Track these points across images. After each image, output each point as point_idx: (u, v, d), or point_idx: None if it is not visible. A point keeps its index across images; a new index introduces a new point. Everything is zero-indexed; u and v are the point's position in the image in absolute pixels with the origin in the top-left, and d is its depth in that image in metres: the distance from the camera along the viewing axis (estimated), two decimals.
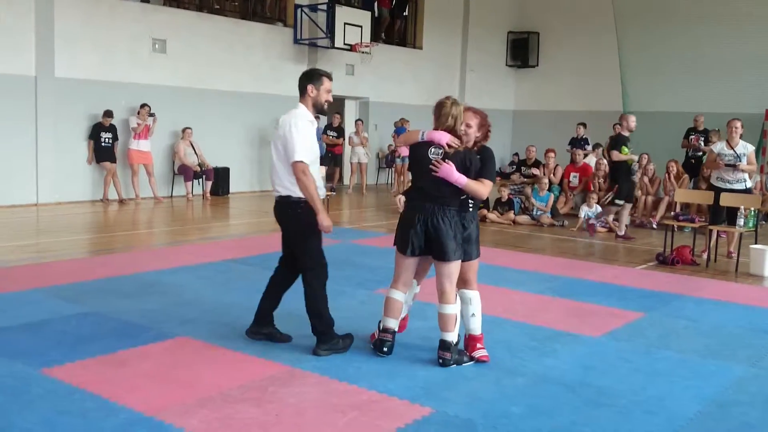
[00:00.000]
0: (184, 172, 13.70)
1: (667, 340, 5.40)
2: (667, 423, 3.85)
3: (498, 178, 14.12)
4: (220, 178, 14.39)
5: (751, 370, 4.79)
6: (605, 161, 13.36)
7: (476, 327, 4.74)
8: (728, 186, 8.77)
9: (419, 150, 4.58)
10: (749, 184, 8.98)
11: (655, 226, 11.52)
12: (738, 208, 8.52)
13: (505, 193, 12.22)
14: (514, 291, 6.85)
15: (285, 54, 15.71)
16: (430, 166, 4.48)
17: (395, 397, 4.04)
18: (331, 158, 15.78)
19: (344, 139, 16.29)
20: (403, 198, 4.88)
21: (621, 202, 10.49)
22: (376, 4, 17.92)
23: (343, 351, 4.75)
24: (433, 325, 4.69)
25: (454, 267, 4.54)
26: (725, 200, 8.73)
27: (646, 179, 12.37)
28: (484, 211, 11.52)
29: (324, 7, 15.75)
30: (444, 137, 4.50)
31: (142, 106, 12.88)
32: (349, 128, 16.98)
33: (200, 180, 14.00)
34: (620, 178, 10.41)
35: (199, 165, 13.82)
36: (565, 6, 20.54)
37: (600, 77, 19.58)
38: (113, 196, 12.82)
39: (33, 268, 7.23)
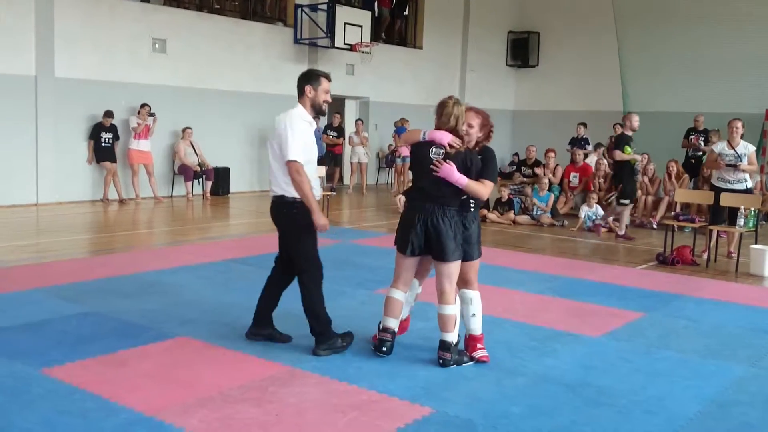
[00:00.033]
0: (184, 172, 13.70)
1: (667, 340, 5.40)
2: (667, 423, 3.85)
3: (498, 178, 14.12)
4: (220, 178, 14.39)
5: (751, 370, 4.79)
6: (605, 161, 13.37)
7: (476, 327, 4.73)
8: (729, 186, 8.77)
9: (420, 150, 4.58)
10: (750, 184, 8.97)
11: (655, 226, 11.51)
12: (738, 208, 8.52)
13: (505, 193, 12.22)
14: (514, 291, 6.85)
15: (285, 54, 15.71)
16: (431, 166, 4.48)
17: (395, 397, 4.04)
18: (331, 158, 15.78)
19: (344, 139, 16.30)
20: (403, 198, 4.88)
21: (627, 202, 10.49)
22: (376, 3, 17.91)
23: (342, 350, 4.75)
24: (434, 326, 4.69)
25: (453, 267, 4.54)
26: (725, 200, 8.72)
27: (646, 179, 12.36)
28: (484, 211, 11.51)
29: (324, 6, 15.75)
30: (445, 137, 4.50)
31: (143, 106, 12.88)
32: (349, 128, 16.99)
33: (200, 180, 14.00)
34: (624, 177, 10.37)
35: (200, 165, 13.82)
36: (565, 6, 20.54)
37: (600, 77, 19.59)
38: (113, 196, 12.82)
39: (33, 268, 7.23)
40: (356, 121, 16.92)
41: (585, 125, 15.55)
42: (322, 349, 4.70)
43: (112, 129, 12.68)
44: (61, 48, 12.14)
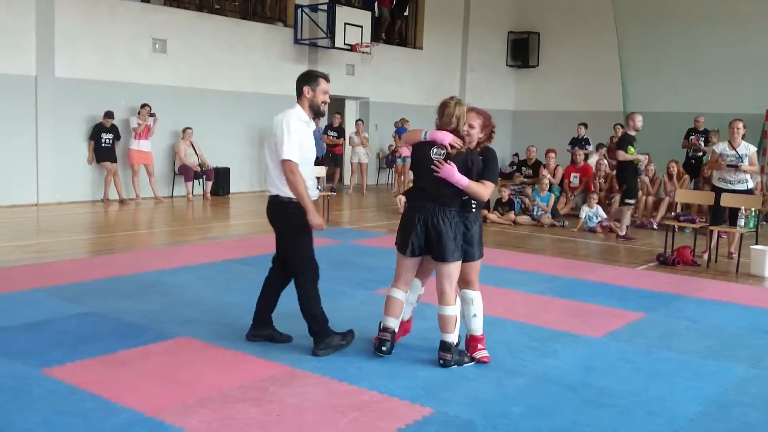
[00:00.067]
0: (185, 172, 13.70)
1: (667, 341, 5.40)
2: (668, 423, 3.85)
3: (498, 179, 14.11)
4: (220, 178, 14.39)
5: (752, 371, 4.79)
6: (605, 162, 13.37)
7: (477, 328, 4.73)
8: (730, 187, 8.77)
9: (421, 150, 4.57)
10: (751, 184, 8.97)
11: (655, 226, 11.51)
12: (739, 209, 8.51)
13: (506, 194, 12.22)
14: (514, 291, 6.85)
15: (285, 54, 15.71)
16: (432, 167, 4.47)
17: (396, 397, 4.04)
18: (331, 158, 15.79)
19: (344, 140, 16.30)
20: (403, 198, 4.87)
21: (632, 201, 10.47)
22: (376, 4, 17.92)
23: (342, 347, 4.73)
24: (434, 326, 4.68)
25: (453, 268, 4.53)
26: (726, 201, 8.72)
27: (646, 179, 12.36)
28: (485, 212, 11.51)
29: (324, 7, 15.75)
30: (447, 137, 4.49)
31: (143, 106, 12.87)
32: (350, 128, 16.99)
33: (200, 180, 14.00)
34: (628, 177, 10.32)
35: (200, 165, 13.82)
36: (565, 6, 20.54)
37: (600, 77, 19.58)
38: (113, 196, 12.82)
39: (33, 268, 7.22)
40: (356, 121, 16.92)
41: (585, 125, 15.55)
42: (321, 349, 4.70)
43: (113, 129, 12.68)
44: (61, 48, 12.15)
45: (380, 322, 4.76)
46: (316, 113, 4.77)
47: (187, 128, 13.66)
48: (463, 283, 4.71)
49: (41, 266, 7.35)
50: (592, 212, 11.44)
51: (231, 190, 14.69)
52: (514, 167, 16.18)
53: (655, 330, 5.68)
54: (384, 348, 4.63)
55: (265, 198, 4.86)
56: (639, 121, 10.07)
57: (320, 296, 4.78)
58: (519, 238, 10.58)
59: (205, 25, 14.29)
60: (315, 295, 4.75)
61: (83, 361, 4.48)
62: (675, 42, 17.74)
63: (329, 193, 12.31)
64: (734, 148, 8.77)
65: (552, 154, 13.36)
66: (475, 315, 4.71)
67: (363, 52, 16.20)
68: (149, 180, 13.16)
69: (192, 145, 13.76)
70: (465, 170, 4.47)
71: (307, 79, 4.73)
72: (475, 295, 4.72)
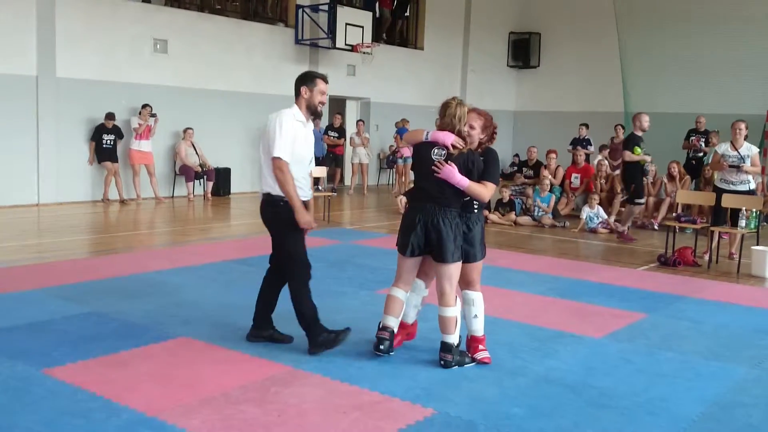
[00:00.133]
0: (186, 173, 13.71)
1: (669, 342, 5.40)
2: (669, 424, 3.84)
3: (500, 179, 14.10)
4: (221, 179, 14.40)
5: (754, 372, 4.79)
6: (606, 162, 13.38)
7: (479, 328, 4.72)
8: (732, 187, 8.76)
9: (422, 150, 4.57)
10: (753, 185, 8.96)
11: (656, 227, 11.51)
12: (740, 210, 8.51)
13: (507, 194, 12.21)
14: (515, 292, 6.84)
15: (286, 54, 15.72)
16: (432, 168, 4.47)
17: (397, 398, 4.04)
18: (332, 159, 15.79)
19: (345, 140, 16.29)
20: (404, 199, 4.87)
21: (642, 201, 10.44)
22: (377, 4, 17.92)
23: (334, 344, 4.69)
24: (435, 327, 4.67)
25: (453, 268, 4.53)
26: (727, 201, 8.72)
27: (648, 180, 12.35)
28: (486, 212, 11.50)
29: (325, 7, 15.76)
30: (449, 138, 4.49)
31: (144, 106, 12.88)
32: (351, 129, 16.99)
33: (201, 180, 14.01)
34: (636, 177, 10.21)
35: (200, 165, 13.82)
36: (566, 7, 20.55)
37: (601, 78, 19.59)
38: (113, 196, 12.82)
39: (35, 269, 7.23)
40: (357, 121, 16.93)
41: (587, 126, 15.55)
42: (314, 347, 4.70)
43: (114, 130, 12.69)
44: (62, 48, 12.15)
45: (380, 322, 4.75)
46: (313, 113, 4.77)
47: (188, 128, 13.67)
48: (465, 283, 4.71)
49: (42, 266, 7.35)
50: (593, 213, 11.44)
51: (232, 191, 14.70)
52: (515, 168, 16.18)
53: (656, 331, 5.68)
54: (382, 347, 4.62)
55: None
56: (646, 121, 9.96)
57: (311, 295, 4.76)
58: (520, 238, 10.58)
59: (206, 26, 14.29)
60: (304, 293, 4.74)
61: (85, 361, 4.48)
62: (676, 42, 17.74)
63: (330, 194, 12.31)
64: (736, 149, 8.77)
65: (553, 155, 13.35)
66: (476, 316, 4.71)
67: (364, 53, 16.20)
68: (150, 180, 13.16)
69: (193, 145, 13.77)
70: (466, 171, 4.47)
71: (305, 79, 4.74)
72: (476, 296, 4.72)
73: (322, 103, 4.78)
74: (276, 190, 4.61)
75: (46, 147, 12.15)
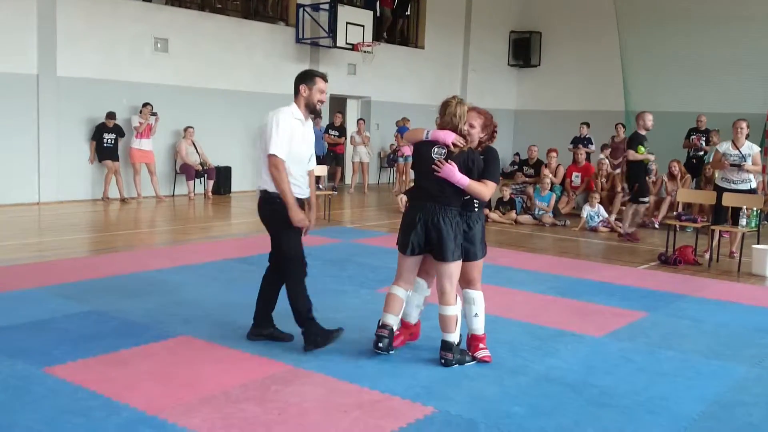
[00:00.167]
0: (186, 171, 13.72)
1: (669, 340, 5.39)
2: (670, 423, 3.84)
3: (500, 178, 14.09)
4: (221, 178, 14.40)
5: (754, 371, 4.78)
6: (607, 161, 13.37)
7: (479, 327, 4.72)
8: (733, 186, 8.75)
9: (423, 149, 4.57)
10: (754, 184, 8.95)
11: (657, 226, 11.50)
12: (740, 208, 8.51)
13: (507, 193, 12.21)
14: (516, 291, 6.84)
15: (287, 53, 15.71)
16: (432, 166, 4.47)
17: (398, 396, 4.04)
18: (332, 158, 15.78)
19: (346, 139, 16.29)
20: (404, 197, 4.86)
21: (647, 200, 10.41)
22: (378, 3, 17.92)
23: (325, 344, 4.70)
24: (436, 325, 4.67)
25: (454, 267, 4.52)
26: (728, 200, 8.72)
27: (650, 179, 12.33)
28: (486, 211, 11.50)
29: (326, 6, 15.75)
30: (449, 137, 4.48)
31: (145, 105, 12.88)
32: (351, 127, 16.99)
33: (202, 179, 14.01)
34: (639, 176, 10.17)
35: (201, 164, 13.83)
36: (567, 6, 20.54)
37: (602, 77, 19.59)
38: (113, 195, 12.82)
39: (35, 267, 7.23)
40: (358, 120, 16.92)
41: (588, 125, 15.54)
42: (307, 344, 4.71)
43: (115, 129, 12.69)
44: (63, 47, 12.15)
45: (379, 320, 4.74)
46: (311, 112, 4.78)
47: (189, 127, 13.67)
48: (465, 282, 4.71)
49: (43, 265, 7.35)
50: (594, 211, 11.43)
51: (232, 189, 14.70)
52: (516, 167, 16.18)
53: (656, 329, 5.67)
54: (381, 345, 4.61)
55: None
56: (649, 120, 9.92)
57: (307, 292, 4.77)
58: (520, 237, 10.58)
59: (207, 25, 14.29)
60: (299, 291, 4.74)
61: (85, 359, 4.48)
62: (676, 41, 17.74)
63: (330, 192, 12.31)
64: (738, 148, 8.77)
65: (553, 154, 13.35)
66: (476, 314, 4.70)
67: (364, 52, 16.20)
68: (151, 179, 13.17)
69: (193, 144, 13.77)
70: (466, 170, 4.46)
71: (305, 77, 4.74)
72: (477, 295, 4.71)
73: (321, 102, 4.78)
74: (273, 188, 4.62)
75: (47, 145, 12.15)
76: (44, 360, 4.42)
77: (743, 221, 8.46)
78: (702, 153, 13.53)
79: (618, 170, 13.03)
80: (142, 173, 13.07)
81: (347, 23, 15.74)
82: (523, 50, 21.57)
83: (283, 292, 4.90)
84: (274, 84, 15.01)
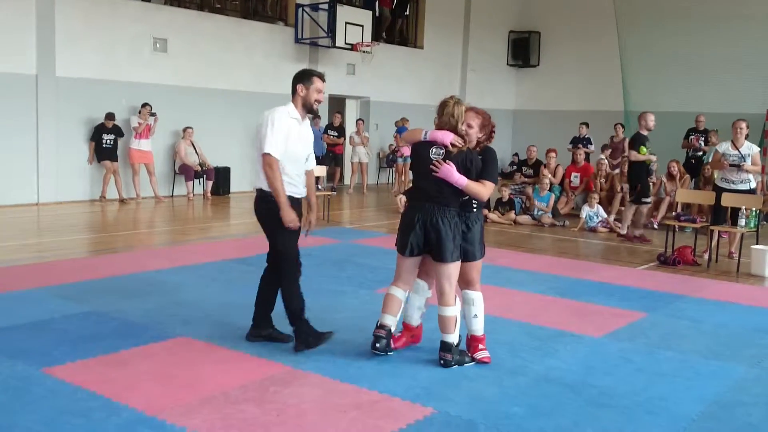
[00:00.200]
0: (185, 172, 13.71)
1: (668, 341, 5.39)
2: (669, 423, 3.84)
3: (499, 178, 14.10)
4: (220, 178, 14.40)
5: (753, 371, 4.79)
6: (606, 162, 13.37)
7: (478, 328, 4.71)
8: (732, 186, 8.76)
9: (421, 150, 4.57)
10: (753, 184, 8.95)
11: (656, 226, 11.50)
12: (739, 209, 8.51)
13: (506, 193, 12.21)
14: (515, 291, 6.84)
15: (286, 53, 15.71)
16: (431, 167, 4.47)
17: (397, 397, 4.04)
18: (331, 158, 15.79)
19: (345, 139, 16.29)
20: (403, 198, 4.86)
21: (649, 201, 10.41)
22: (377, 3, 17.92)
23: (314, 345, 4.70)
24: (435, 326, 4.67)
25: (453, 268, 4.52)
26: (727, 200, 8.72)
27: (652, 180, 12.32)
28: (485, 211, 11.50)
29: (325, 6, 15.76)
30: (447, 137, 4.48)
31: (143, 105, 12.87)
32: (350, 128, 16.99)
33: (201, 179, 14.01)
34: (641, 177, 10.14)
35: (200, 164, 13.83)
36: (566, 5, 20.55)
37: (601, 77, 19.60)
38: (112, 195, 12.82)
39: (34, 268, 7.23)
40: (357, 120, 16.92)
41: (587, 125, 15.54)
42: (298, 344, 4.71)
43: (114, 129, 12.68)
44: (62, 47, 12.15)
45: (378, 321, 4.73)
46: (309, 111, 4.77)
47: (188, 128, 13.67)
48: (464, 283, 4.70)
49: (42, 265, 7.35)
50: (593, 212, 11.44)
51: (231, 190, 14.70)
52: (515, 167, 16.18)
53: (656, 330, 5.68)
54: (378, 345, 4.60)
55: None
56: (651, 120, 9.89)
57: (300, 292, 4.76)
58: (519, 237, 10.58)
59: (206, 25, 14.29)
60: (293, 290, 4.74)
61: (84, 360, 4.48)
62: (676, 41, 17.75)
63: (329, 193, 12.31)
64: (737, 148, 8.77)
65: (552, 154, 13.35)
66: (476, 315, 4.70)
67: (364, 52, 16.20)
68: (150, 179, 13.16)
69: (192, 144, 13.77)
70: (464, 170, 4.46)
71: (302, 77, 4.74)
72: (476, 296, 4.71)
73: (319, 101, 4.78)
74: (268, 187, 4.63)
75: (46, 146, 12.14)
76: (44, 360, 4.42)
77: (742, 221, 8.46)
78: (701, 153, 13.53)
79: (617, 170, 13.03)
80: (141, 174, 13.07)
81: (346, 23, 15.74)
82: (523, 50, 21.58)
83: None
84: (274, 84, 14.99)
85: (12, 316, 5.38)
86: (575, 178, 13.05)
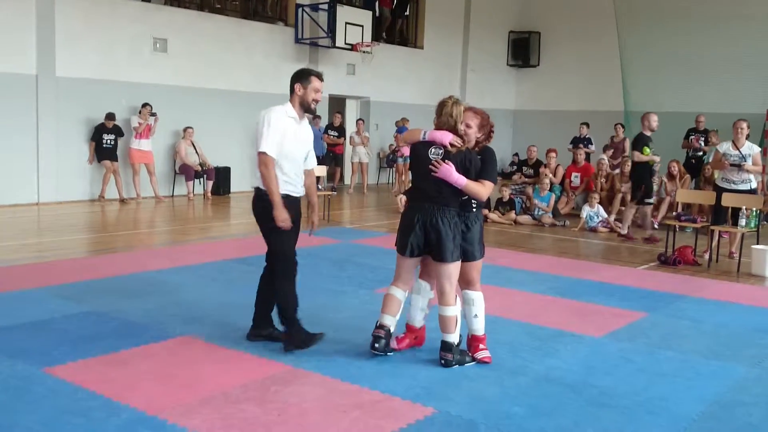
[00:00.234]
0: (185, 172, 13.71)
1: (669, 341, 5.39)
2: (670, 423, 3.84)
3: (499, 178, 14.11)
4: (221, 178, 14.40)
5: (754, 371, 4.78)
6: (606, 162, 13.36)
7: (479, 328, 4.71)
8: (733, 187, 8.75)
9: (420, 150, 4.56)
10: (754, 184, 8.94)
11: (656, 226, 11.49)
12: (740, 209, 8.51)
13: (507, 193, 12.21)
14: (515, 291, 6.84)
15: (286, 53, 15.71)
16: (430, 167, 4.46)
17: (397, 397, 4.04)
18: (332, 158, 15.79)
19: (345, 139, 16.29)
20: (404, 198, 4.86)
21: (652, 201, 10.40)
22: (377, 3, 17.92)
23: (305, 346, 4.69)
24: (435, 326, 4.67)
25: (453, 268, 4.52)
26: (727, 200, 8.72)
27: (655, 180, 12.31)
28: (486, 211, 11.51)
29: (325, 6, 15.76)
30: (446, 137, 4.48)
31: (144, 105, 12.87)
32: (350, 128, 16.99)
33: (201, 179, 14.01)
34: (644, 177, 10.13)
35: (200, 164, 13.83)
36: (566, 6, 20.55)
37: (601, 77, 19.60)
38: (111, 195, 12.81)
39: (34, 268, 7.22)
40: (357, 120, 16.92)
41: (587, 125, 15.53)
42: (289, 344, 4.70)
43: (115, 129, 12.68)
44: (62, 47, 12.15)
45: (377, 321, 4.72)
46: (306, 110, 4.77)
47: (188, 128, 13.67)
48: (465, 283, 4.70)
49: (42, 265, 7.35)
50: (593, 212, 11.43)
51: (231, 190, 14.70)
52: (515, 167, 16.17)
53: (656, 330, 5.68)
54: (377, 345, 4.60)
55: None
56: (655, 121, 9.88)
57: (295, 291, 4.76)
58: (520, 237, 10.58)
59: (206, 25, 14.29)
60: (287, 289, 4.74)
61: (85, 360, 4.48)
62: (676, 41, 17.75)
63: (330, 193, 12.31)
64: (738, 148, 8.77)
65: (553, 154, 13.35)
66: (476, 315, 4.70)
67: (364, 52, 16.20)
68: (150, 179, 13.16)
69: (193, 144, 13.77)
70: (463, 170, 4.46)
71: (300, 76, 4.74)
72: (476, 296, 4.70)
73: (316, 101, 4.78)
74: (263, 185, 4.63)
75: (46, 146, 12.14)
76: (44, 360, 4.42)
77: (743, 221, 8.46)
78: (701, 153, 13.53)
79: (617, 170, 13.02)
80: (142, 174, 13.07)
81: (346, 23, 15.74)
82: (523, 50, 21.58)
83: None
84: (274, 84, 14.98)
85: (12, 315, 5.38)
86: (576, 178, 13.04)
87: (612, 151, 14.10)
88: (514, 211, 12.01)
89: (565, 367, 4.67)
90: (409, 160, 4.89)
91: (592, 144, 15.08)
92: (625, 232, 10.52)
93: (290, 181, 4.69)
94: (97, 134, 12.56)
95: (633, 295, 6.84)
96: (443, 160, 4.44)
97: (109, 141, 12.61)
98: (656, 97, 17.42)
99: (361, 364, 4.55)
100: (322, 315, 5.56)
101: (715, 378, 4.60)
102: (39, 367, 4.32)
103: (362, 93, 17.70)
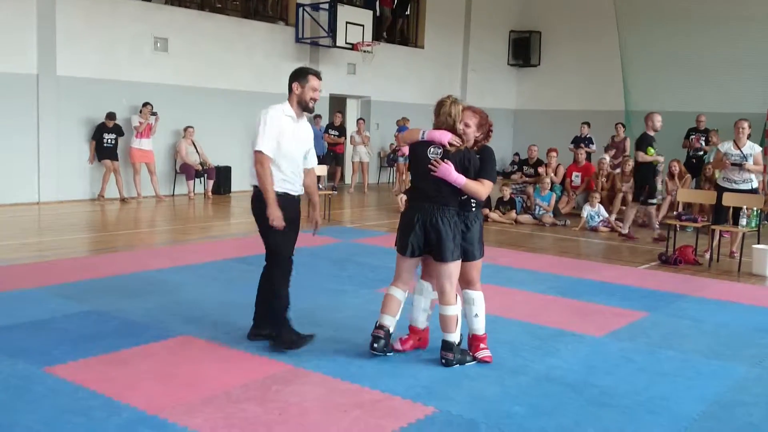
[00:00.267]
0: (186, 171, 13.72)
1: (670, 340, 5.39)
2: (670, 423, 3.84)
3: (500, 178, 14.12)
4: (221, 177, 14.40)
5: (755, 371, 4.78)
6: (607, 161, 13.36)
7: (480, 327, 4.71)
8: (734, 186, 8.75)
9: (419, 149, 4.56)
10: (755, 184, 8.94)
11: (657, 226, 11.48)
12: (741, 208, 8.50)
13: (507, 193, 12.21)
14: (516, 290, 6.84)
15: (287, 53, 15.71)
16: (429, 166, 4.46)
17: (398, 396, 4.04)
18: (332, 157, 15.79)
19: (346, 138, 16.29)
20: (404, 197, 4.85)
21: (655, 201, 10.39)
22: (377, 3, 17.91)
23: (295, 347, 4.66)
24: (436, 325, 4.67)
25: (453, 267, 4.52)
26: (728, 200, 8.72)
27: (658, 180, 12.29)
28: (486, 211, 11.50)
29: (326, 6, 15.75)
30: (445, 136, 4.47)
31: (144, 104, 12.88)
32: (351, 127, 16.98)
33: (202, 179, 14.01)
34: (648, 178, 10.12)
35: (201, 164, 13.83)
36: (566, 5, 20.54)
37: (602, 76, 19.59)
38: (111, 194, 12.81)
39: (35, 267, 7.22)
40: (358, 120, 16.92)
41: (588, 124, 15.53)
42: (279, 343, 4.68)
43: (115, 129, 12.68)
44: (62, 46, 12.15)
45: (377, 321, 4.72)
46: (304, 109, 4.78)
47: (189, 127, 13.67)
48: (465, 282, 4.70)
49: (43, 265, 7.35)
50: (594, 211, 11.43)
51: (232, 189, 14.69)
52: (516, 166, 16.17)
53: (657, 329, 5.67)
54: (376, 345, 4.59)
55: None
56: (658, 121, 9.88)
57: (288, 291, 4.76)
58: (520, 237, 10.58)
59: (207, 24, 14.29)
60: (282, 288, 4.73)
61: (85, 359, 4.48)
62: (676, 41, 17.74)
63: (330, 192, 12.31)
64: (739, 148, 8.76)
65: (553, 153, 13.35)
66: (476, 315, 4.70)
67: (364, 51, 16.20)
68: (151, 179, 13.17)
69: (193, 143, 13.77)
70: (462, 169, 4.46)
71: (298, 75, 4.74)
72: (477, 295, 4.70)
73: (314, 100, 4.77)
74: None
75: (47, 145, 12.14)
76: (44, 360, 4.42)
77: (743, 221, 8.45)
78: (701, 153, 13.52)
79: (618, 170, 13.02)
80: (142, 173, 13.07)
81: (347, 23, 15.74)
82: (523, 50, 21.57)
83: None
84: (274, 84, 14.96)
85: (13, 315, 5.38)
86: (576, 178, 13.04)
87: (613, 150, 14.09)
88: (514, 211, 12.01)
89: (565, 367, 4.67)
90: (408, 160, 4.89)
91: (592, 143, 15.08)
92: (626, 231, 10.51)
93: (288, 180, 4.70)
94: (97, 133, 12.56)
95: (634, 295, 6.84)
96: (442, 159, 4.44)
97: (109, 140, 12.61)
98: (657, 96, 17.41)
99: (362, 363, 4.55)
100: (323, 314, 5.56)
101: (716, 378, 4.60)
102: (39, 366, 4.32)
103: (363, 92, 17.70)
